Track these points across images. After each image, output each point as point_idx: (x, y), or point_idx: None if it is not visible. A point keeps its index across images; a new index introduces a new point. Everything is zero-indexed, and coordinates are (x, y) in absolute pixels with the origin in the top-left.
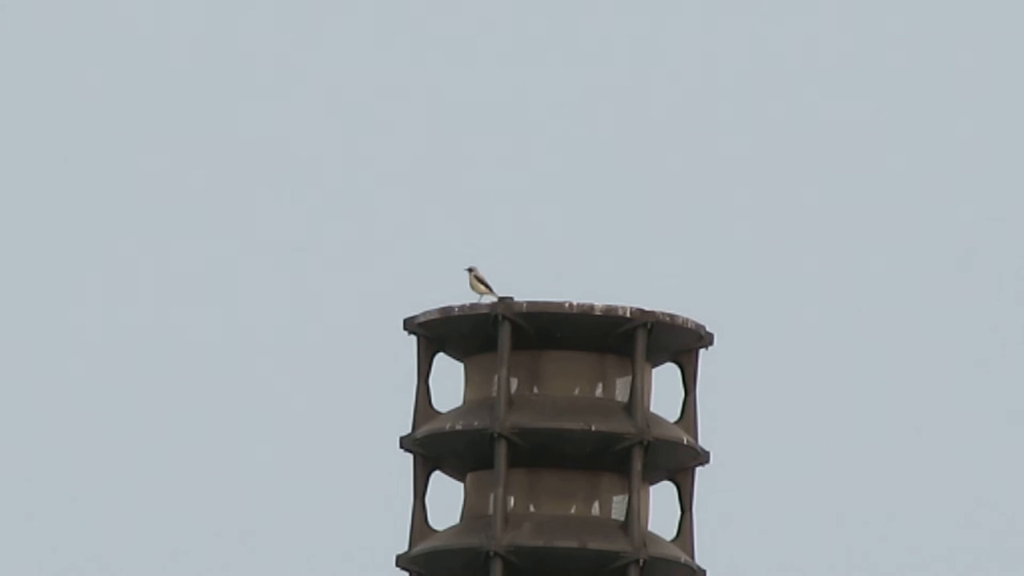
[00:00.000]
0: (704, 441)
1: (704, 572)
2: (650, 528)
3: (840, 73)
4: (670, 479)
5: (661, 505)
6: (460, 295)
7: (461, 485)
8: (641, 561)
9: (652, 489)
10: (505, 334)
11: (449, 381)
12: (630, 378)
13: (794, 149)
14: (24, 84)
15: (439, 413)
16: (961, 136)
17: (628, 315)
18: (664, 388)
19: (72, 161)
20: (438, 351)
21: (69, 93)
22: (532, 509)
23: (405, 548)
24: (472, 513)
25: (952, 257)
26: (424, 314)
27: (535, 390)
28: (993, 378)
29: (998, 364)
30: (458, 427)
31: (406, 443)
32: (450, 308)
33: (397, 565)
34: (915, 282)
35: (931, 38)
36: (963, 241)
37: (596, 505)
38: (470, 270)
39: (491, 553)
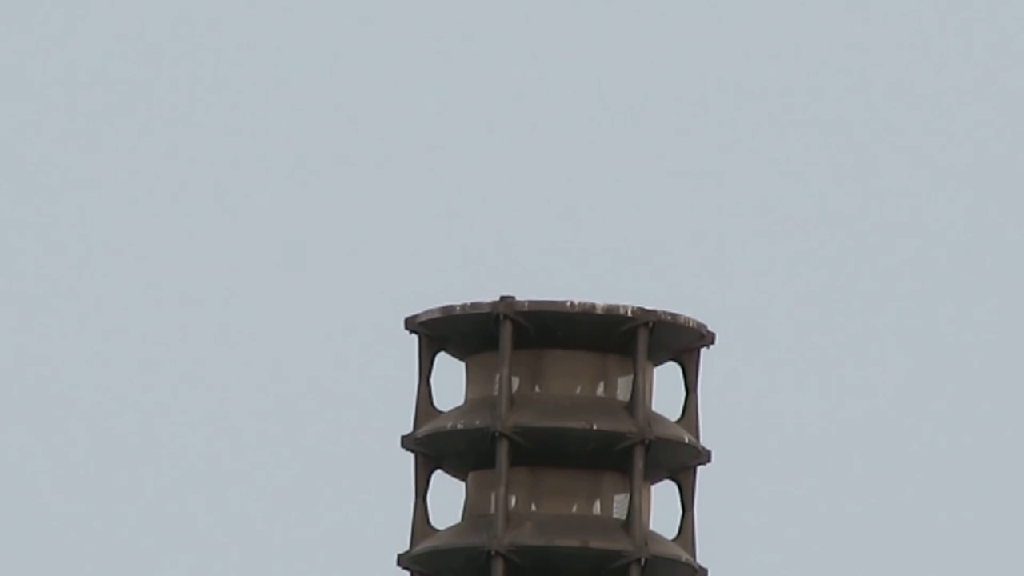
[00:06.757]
0: (705, 440)
1: (706, 571)
2: (651, 527)
3: (842, 71)
4: (671, 478)
5: (662, 504)
6: (461, 294)
7: (462, 484)
8: (643, 560)
9: (653, 488)
10: (506, 333)
11: (450, 380)
12: (632, 377)
13: (796, 147)
14: (17, 78)
15: (440, 412)
16: (966, 136)
17: (630, 314)
18: (666, 387)
19: (67, 157)
20: (439, 350)
21: (62, 89)
22: (534, 508)
23: (406, 547)
24: (473, 512)
25: (957, 257)
26: (425, 313)
27: (536, 389)
28: (998, 379)
29: (1003, 365)
30: (459, 426)
31: (407, 442)
32: (451, 307)
33: (398, 564)
34: (918, 281)
35: (933, 36)
36: (967, 241)
37: (598, 504)
38: None
39: (492, 552)
